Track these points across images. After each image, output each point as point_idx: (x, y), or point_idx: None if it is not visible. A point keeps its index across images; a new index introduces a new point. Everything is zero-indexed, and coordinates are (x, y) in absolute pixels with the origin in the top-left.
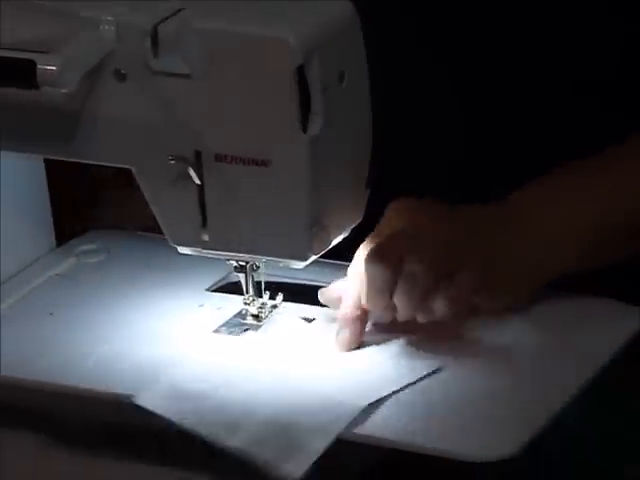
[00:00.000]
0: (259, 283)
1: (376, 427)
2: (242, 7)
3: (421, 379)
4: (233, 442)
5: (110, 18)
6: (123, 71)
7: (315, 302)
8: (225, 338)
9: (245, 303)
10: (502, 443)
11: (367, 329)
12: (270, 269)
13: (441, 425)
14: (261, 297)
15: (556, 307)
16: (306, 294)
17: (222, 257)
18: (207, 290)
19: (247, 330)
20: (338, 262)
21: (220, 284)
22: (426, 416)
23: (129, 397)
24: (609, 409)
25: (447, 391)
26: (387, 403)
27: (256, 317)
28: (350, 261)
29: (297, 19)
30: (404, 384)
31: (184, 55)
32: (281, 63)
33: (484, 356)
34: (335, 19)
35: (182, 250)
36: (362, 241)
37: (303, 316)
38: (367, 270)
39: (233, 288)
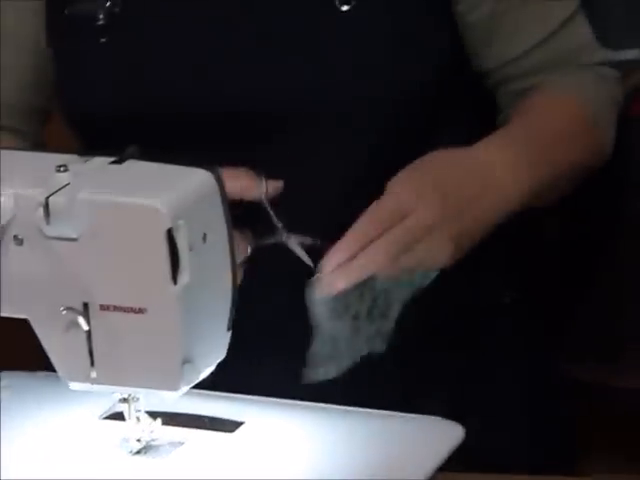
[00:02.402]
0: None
1: None
2: (121, 181)
3: None
4: None
5: (10, 191)
6: (20, 236)
7: (187, 425)
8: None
9: (130, 429)
10: None
11: None
12: (149, 399)
13: None
14: (142, 423)
15: (383, 425)
16: (180, 420)
17: (109, 390)
18: (100, 418)
19: (134, 453)
20: (206, 392)
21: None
22: None
23: None
24: None
25: None
26: None
27: (138, 441)
28: None
29: (166, 190)
30: None
31: (72, 222)
32: (153, 227)
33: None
34: (198, 188)
35: (73, 386)
36: None
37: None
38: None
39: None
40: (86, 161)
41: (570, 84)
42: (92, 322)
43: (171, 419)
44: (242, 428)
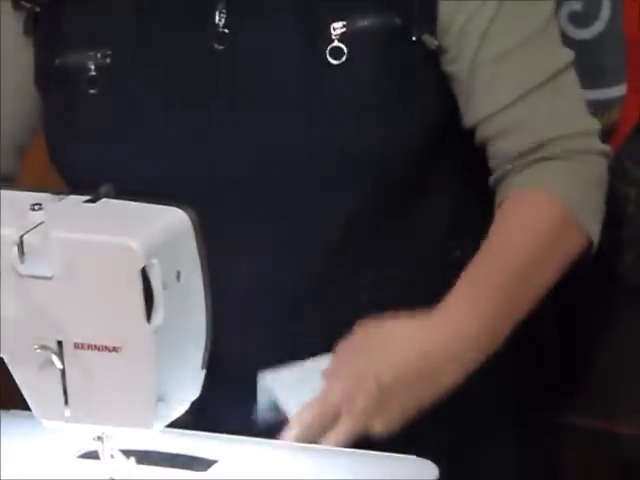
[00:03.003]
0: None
1: None
2: (95, 219)
3: None
4: None
5: None
6: None
7: (161, 464)
8: None
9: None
10: None
11: None
12: (124, 438)
13: None
14: (118, 461)
15: (357, 464)
16: (153, 458)
17: (83, 429)
18: (78, 457)
19: None
20: (180, 430)
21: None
22: None
23: None
24: None
25: None
26: None
27: None
28: None
29: (140, 228)
30: None
31: (46, 260)
32: (127, 265)
33: None
34: (171, 227)
35: (48, 424)
36: None
37: None
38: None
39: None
40: (60, 199)
41: (551, 179)
42: (66, 360)
43: (145, 458)
44: (215, 466)
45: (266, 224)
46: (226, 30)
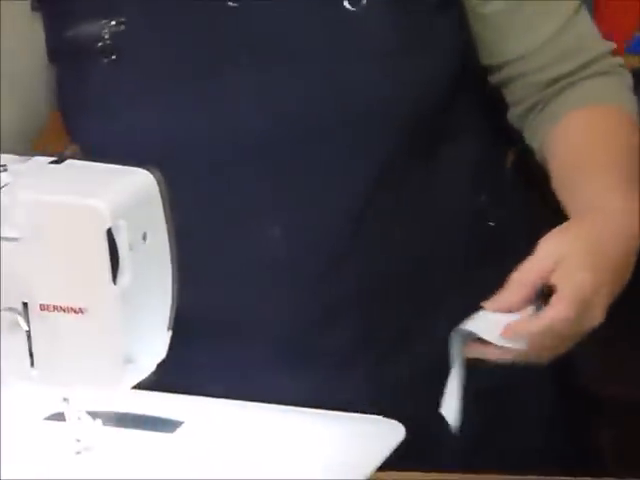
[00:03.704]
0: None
1: None
2: (60, 180)
3: None
4: None
5: None
6: None
7: (132, 427)
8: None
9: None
10: None
11: None
12: (91, 399)
13: None
14: (84, 423)
15: (324, 424)
16: (120, 420)
17: (49, 391)
18: (45, 419)
19: (75, 454)
20: (147, 392)
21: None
22: None
23: None
24: None
25: None
26: None
27: (78, 441)
28: None
29: (106, 189)
30: None
31: (12, 221)
32: (93, 227)
33: None
34: (138, 188)
35: (14, 385)
36: None
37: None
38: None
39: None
40: (25, 161)
41: (606, 92)
42: (32, 322)
43: (111, 419)
44: (182, 428)
45: (296, 181)
46: None
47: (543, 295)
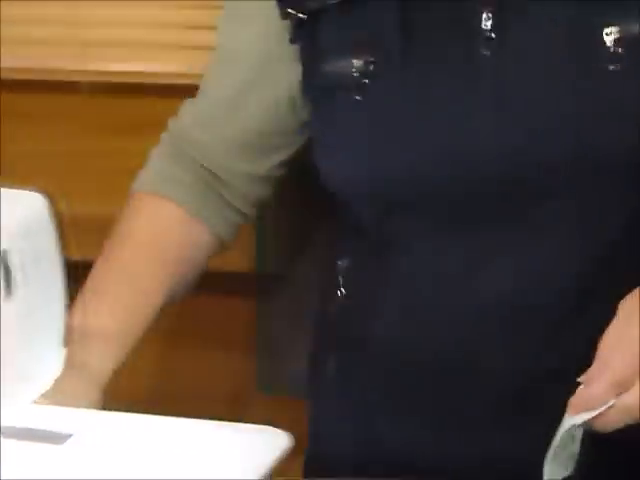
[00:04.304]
0: None
1: None
2: None
3: None
4: None
5: None
6: None
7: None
8: None
9: None
10: None
11: None
12: None
13: None
14: None
15: (210, 434)
16: (13, 433)
17: None
18: None
19: None
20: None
21: None
22: None
23: None
24: None
25: None
26: None
27: None
28: None
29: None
30: None
31: None
32: None
33: None
34: (29, 211)
35: None
36: None
37: None
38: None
39: None
40: None
41: None
42: None
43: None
44: (71, 440)
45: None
46: (493, 35)
47: None
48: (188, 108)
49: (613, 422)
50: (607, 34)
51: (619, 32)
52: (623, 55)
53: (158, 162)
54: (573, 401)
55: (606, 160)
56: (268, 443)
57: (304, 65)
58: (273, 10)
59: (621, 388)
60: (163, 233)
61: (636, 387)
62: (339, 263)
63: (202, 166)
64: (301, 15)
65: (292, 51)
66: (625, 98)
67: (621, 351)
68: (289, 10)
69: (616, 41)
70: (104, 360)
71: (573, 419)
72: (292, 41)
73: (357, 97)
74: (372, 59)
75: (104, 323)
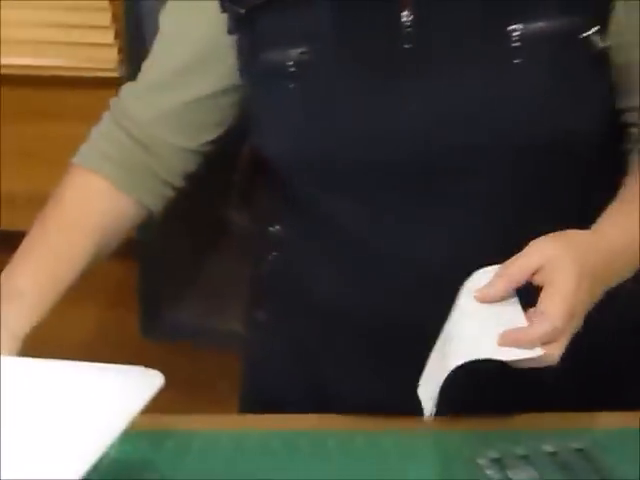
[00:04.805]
0: None
1: None
2: None
3: None
4: None
5: None
6: None
7: None
8: None
9: None
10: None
11: None
12: None
13: None
14: None
15: (84, 376)
16: None
17: None
18: None
19: None
20: None
21: None
22: None
23: None
24: None
25: None
26: None
27: None
28: None
29: None
30: None
31: None
32: None
33: None
34: None
35: None
36: None
37: None
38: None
39: None
40: None
41: None
42: None
43: None
44: None
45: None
46: (412, 30)
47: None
48: (128, 87)
49: (528, 366)
50: (512, 30)
51: (522, 29)
52: (525, 49)
53: (94, 138)
54: (505, 334)
55: (513, 142)
56: (140, 382)
57: (242, 54)
58: (214, 1)
59: (551, 340)
60: (89, 204)
61: (563, 341)
62: (271, 229)
63: (134, 138)
64: (240, 10)
65: (231, 39)
66: (527, 88)
67: (569, 312)
68: (228, 4)
69: (520, 37)
70: (21, 317)
71: (498, 353)
72: (230, 32)
73: (290, 85)
74: (306, 50)
75: (25, 283)
